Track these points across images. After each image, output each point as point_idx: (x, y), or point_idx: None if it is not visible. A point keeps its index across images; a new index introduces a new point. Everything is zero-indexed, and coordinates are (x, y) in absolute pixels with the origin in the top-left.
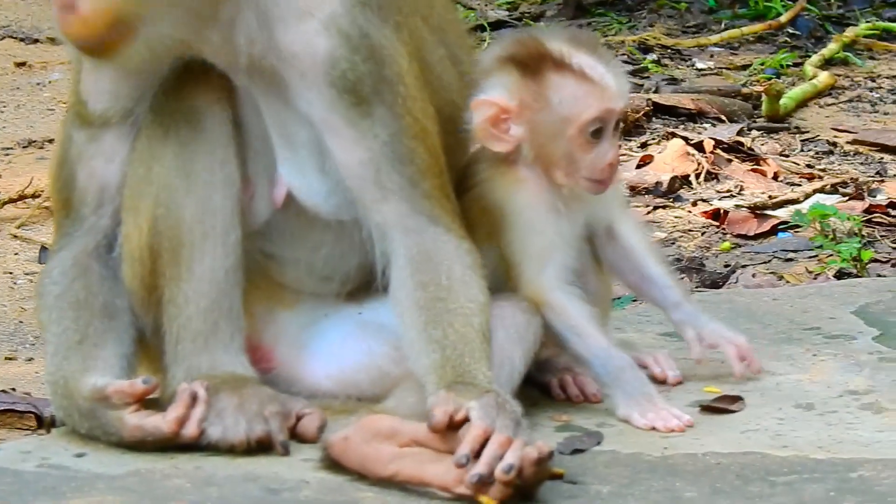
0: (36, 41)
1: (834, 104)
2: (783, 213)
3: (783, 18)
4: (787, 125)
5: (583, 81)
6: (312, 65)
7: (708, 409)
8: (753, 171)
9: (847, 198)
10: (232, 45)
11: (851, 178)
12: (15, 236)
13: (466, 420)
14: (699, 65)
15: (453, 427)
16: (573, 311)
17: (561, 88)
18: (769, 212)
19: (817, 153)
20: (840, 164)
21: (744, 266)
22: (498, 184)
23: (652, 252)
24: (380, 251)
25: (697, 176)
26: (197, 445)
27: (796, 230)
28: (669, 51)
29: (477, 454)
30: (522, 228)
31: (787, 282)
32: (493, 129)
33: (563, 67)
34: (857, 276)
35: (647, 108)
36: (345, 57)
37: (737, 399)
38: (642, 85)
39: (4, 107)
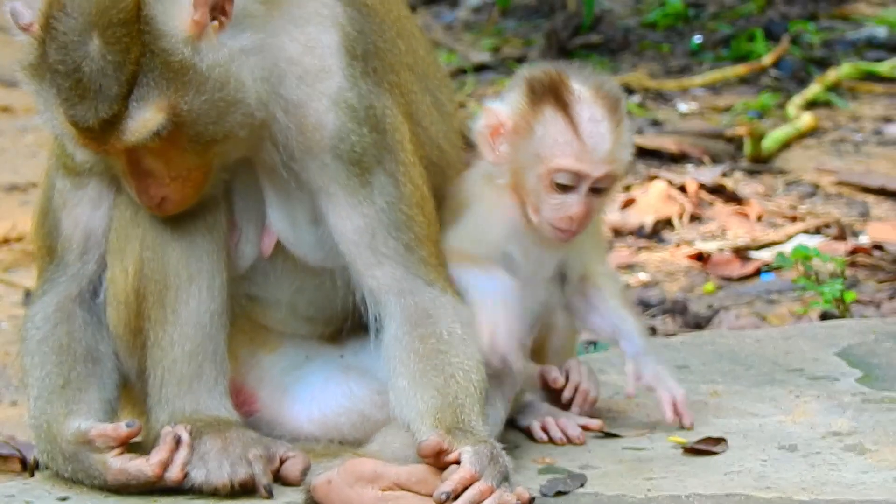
0: (18, 85)
1: (817, 146)
2: (766, 255)
3: (766, 60)
4: (770, 167)
5: (571, 130)
6: (320, 139)
7: (691, 450)
8: (736, 212)
9: (830, 239)
10: (268, 142)
11: (834, 220)
12: None
13: (456, 462)
14: (682, 107)
15: (441, 462)
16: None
17: (548, 125)
18: (752, 253)
19: (800, 194)
20: (823, 206)
21: (727, 307)
22: (478, 187)
23: (618, 294)
24: (373, 314)
25: (681, 218)
26: (180, 489)
27: (779, 272)
28: (652, 93)
29: (457, 496)
30: (476, 216)
31: (771, 323)
32: (489, 138)
33: (563, 108)
34: (840, 318)
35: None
36: (353, 130)
37: (720, 441)
38: None
39: None
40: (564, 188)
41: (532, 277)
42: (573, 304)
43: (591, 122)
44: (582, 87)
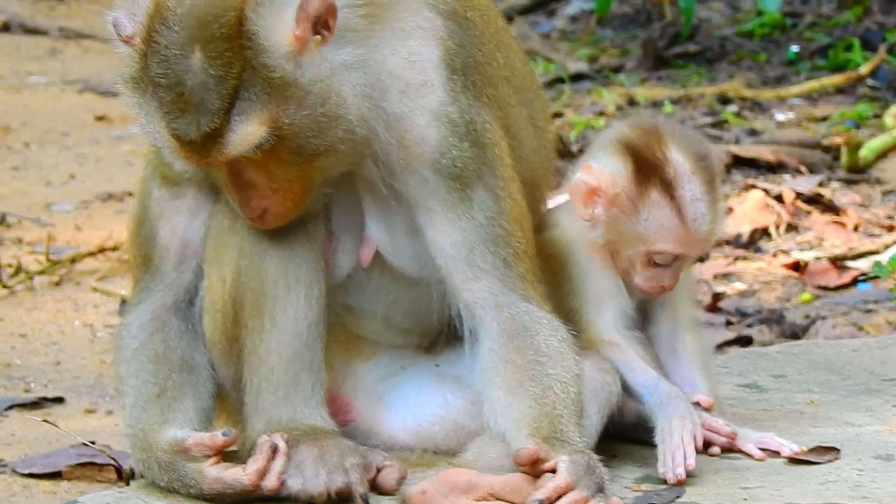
0: (115, 95)
1: None
2: (863, 265)
3: (863, 70)
4: (866, 176)
5: (676, 217)
6: (420, 154)
7: (796, 460)
8: (833, 222)
9: None
10: (368, 157)
11: None
12: (95, 289)
13: (553, 471)
14: (779, 116)
15: (537, 470)
16: (626, 349)
17: (654, 209)
18: (849, 263)
19: None
20: None
21: (823, 317)
22: (571, 233)
23: (700, 359)
24: (468, 328)
25: (777, 227)
26: (277, 498)
27: (876, 281)
28: (749, 102)
29: None
30: (584, 272)
31: (867, 333)
32: (585, 196)
33: (668, 192)
34: None
35: (727, 160)
36: (454, 145)
37: (832, 450)
38: (722, 137)
39: (84, 160)
40: (660, 265)
41: None
42: (658, 352)
43: (693, 204)
44: (682, 157)
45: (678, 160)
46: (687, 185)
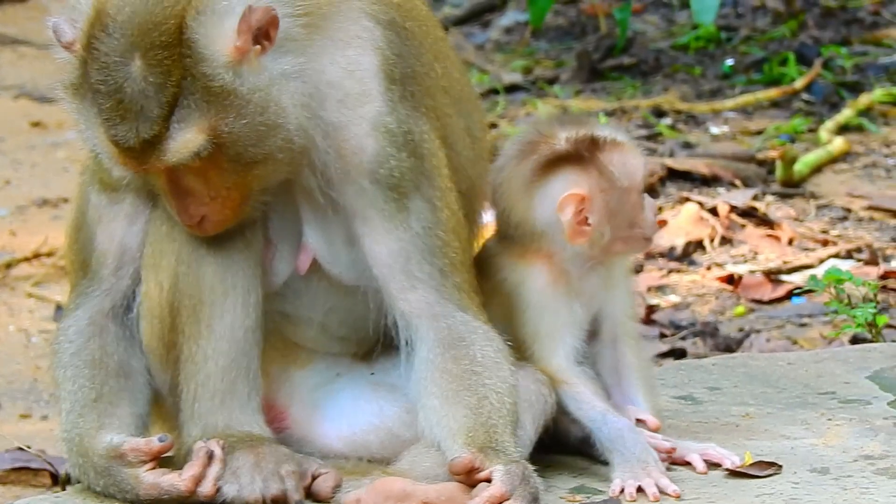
0: (51, 101)
1: (849, 170)
2: (797, 279)
3: (798, 84)
4: (801, 191)
5: (629, 151)
6: (358, 163)
7: (735, 473)
8: (768, 236)
9: (862, 263)
10: (306, 166)
11: (866, 244)
12: (30, 294)
13: (488, 480)
14: (714, 130)
15: (472, 480)
16: (577, 384)
17: (618, 164)
18: (784, 277)
19: (832, 219)
20: (855, 230)
21: (758, 331)
22: (516, 271)
23: (642, 375)
24: (404, 338)
25: (712, 240)
26: (213, 503)
27: (811, 295)
28: (684, 115)
29: None
30: (536, 310)
31: (802, 346)
32: (578, 224)
33: (613, 146)
34: (872, 342)
35: (662, 173)
36: (392, 155)
37: (772, 465)
38: (657, 149)
39: (20, 166)
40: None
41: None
42: (601, 368)
43: (623, 136)
44: (592, 128)
45: (595, 130)
46: (613, 133)
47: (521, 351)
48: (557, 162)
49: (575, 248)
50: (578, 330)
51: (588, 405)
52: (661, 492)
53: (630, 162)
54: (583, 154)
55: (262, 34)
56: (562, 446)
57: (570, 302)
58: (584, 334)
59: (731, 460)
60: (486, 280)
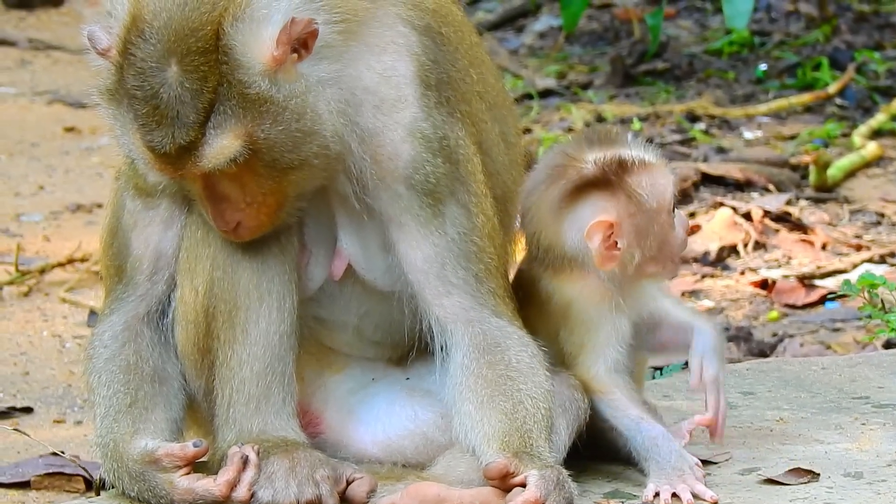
0: (85, 106)
1: (882, 175)
2: (831, 283)
3: (831, 89)
4: (835, 195)
5: (657, 171)
6: (394, 169)
7: (772, 481)
8: (801, 240)
9: (895, 267)
10: (342, 172)
11: None
12: (64, 300)
13: (522, 485)
14: (747, 134)
15: (507, 485)
16: (614, 391)
17: (647, 186)
18: (817, 281)
19: (865, 223)
20: (888, 235)
21: (791, 335)
22: (561, 291)
23: (677, 302)
24: (439, 343)
25: (746, 245)
26: None
27: (844, 300)
28: (717, 120)
29: None
30: (583, 327)
31: (835, 351)
32: (607, 249)
33: (641, 168)
34: None
35: (695, 178)
36: (427, 161)
37: (809, 472)
38: (690, 154)
39: (53, 171)
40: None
41: None
42: (651, 339)
43: (650, 154)
44: (617, 149)
45: (620, 151)
46: (627, 150)
47: (562, 362)
48: (585, 187)
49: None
50: (623, 343)
51: (622, 413)
52: (698, 497)
53: (659, 182)
54: (610, 178)
55: (301, 44)
56: (597, 450)
57: (614, 317)
58: (628, 347)
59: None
60: (530, 303)
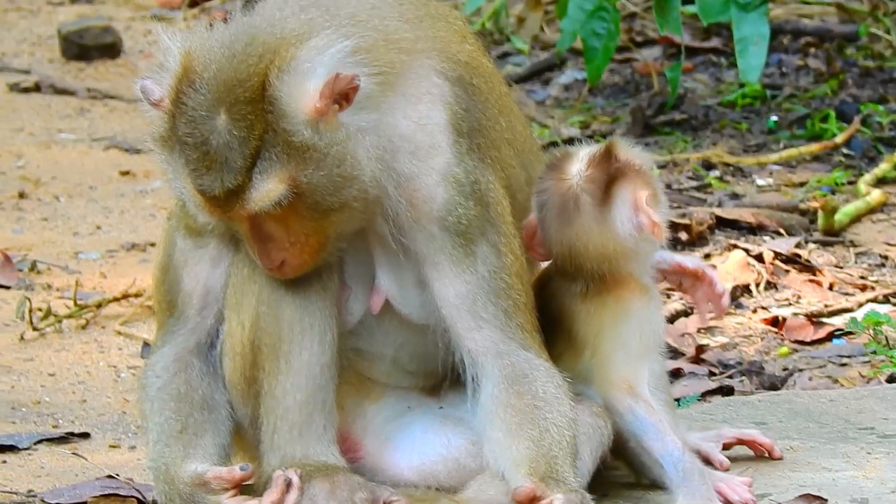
0: (139, 151)
1: (886, 220)
2: (838, 321)
3: (838, 139)
4: (841, 239)
5: (623, 145)
6: (428, 211)
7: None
8: (810, 281)
9: None
10: (379, 214)
11: None
12: (119, 332)
13: None
14: (759, 181)
15: None
16: (657, 410)
17: (636, 157)
18: (825, 319)
19: (870, 265)
20: (892, 276)
21: (801, 370)
22: (608, 307)
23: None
24: (471, 375)
25: (758, 285)
26: None
27: (851, 337)
28: (731, 168)
29: None
30: (632, 328)
31: (842, 385)
32: (654, 224)
33: (617, 147)
34: None
35: (711, 222)
36: (460, 204)
37: (818, 499)
38: (706, 200)
39: (110, 212)
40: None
41: None
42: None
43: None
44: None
45: (568, 159)
46: (591, 147)
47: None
48: (607, 185)
49: (653, 253)
50: (659, 355)
51: (670, 439)
52: None
53: (635, 151)
54: (614, 168)
55: (342, 96)
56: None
57: (655, 324)
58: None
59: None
60: (556, 330)
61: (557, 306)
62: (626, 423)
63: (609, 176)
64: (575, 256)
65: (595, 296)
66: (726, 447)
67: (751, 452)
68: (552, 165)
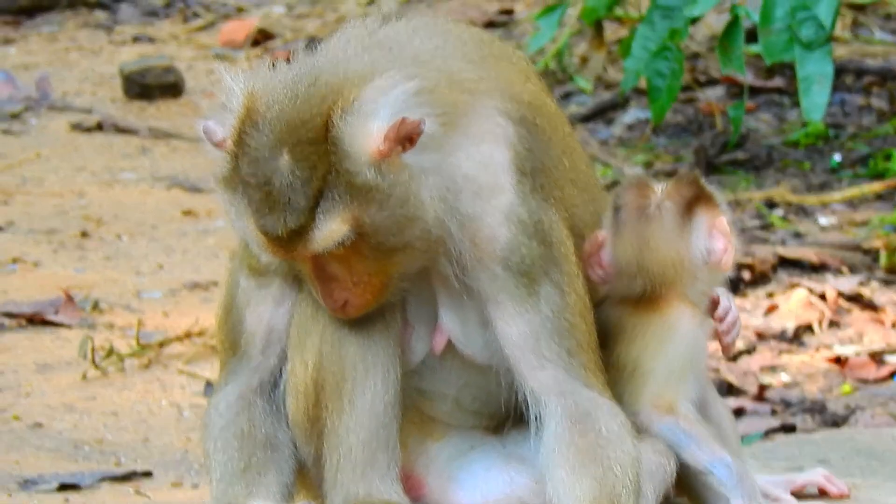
0: (201, 191)
1: None
2: None
3: None
4: None
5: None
6: (491, 251)
7: None
8: (873, 319)
9: None
10: (442, 255)
11: None
12: (181, 371)
13: None
14: (822, 221)
15: None
16: (699, 424)
17: (715, 190)
18: (887, 357)
19: None
20: None
21: (863, 408)
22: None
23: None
24: (534, 413)
25: (820, 324)
26: None
27: None
28: (794, 207)
29: None
30: (679, 348)
31: None
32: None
33: (698, 178)
34: None
35: (774, 261)
36: (523, 244)
37: None
38: (768, 239)
39: (172, 251)
40: None
41: None
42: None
43: None
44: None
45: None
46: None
47: (630, 376)
48: (690, 204)
49: (716, 283)
50: (700, 375)
51: (716, 449)
52: None
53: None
54: (697, 190)
55: (407, 139)
56: None
57: (702, 349)
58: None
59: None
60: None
61: (604, 329)
62: (667, 439)
63: (692, 196)
64: (642, 260)
65: (645, 312)
66: (794, 493)
67: (815, 491)
68: (632, 183)
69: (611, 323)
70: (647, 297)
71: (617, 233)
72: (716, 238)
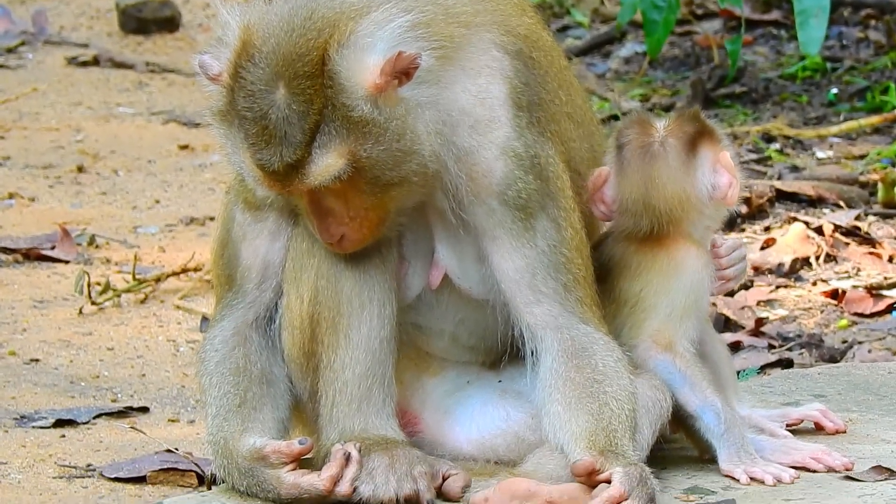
0: (197, 125)
1: None
2: None
3: None
4: None
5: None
6: (488, 185)
7: (852, 478)
8: (870, 253)
9: None
10: (439, 189)
11: None
12: (177, 307)
13: (608, 481)
14: (819, 154)
15: (593, 481)
16: (695, 365)
17: (715, 125)
18: (885, 292)
19: None
20: None
21: (860, 342)
22: (671, 256)
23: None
24: (530, 348)
25: (817, 258)
26: (349, 502)
27: None
28: (791, 141)
29: None
30: (682, 285)
31: None
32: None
33: (699, 114)
34: None
35: (771, 195)
36: (519, 178)
37: (888, 470)
38: (766, 172)
39: (168, 186)
40: None
41: None
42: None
43: None
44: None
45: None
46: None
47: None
48: (694, 139)
49: (720, 218)
50: (701, 318)
51: (709, 392)
52: (778, 480)
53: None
54: (700, 126)
55: (403, 73)
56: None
57: (704, 287)
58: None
59: (840, 462)
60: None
61: (607, 264)
62: (661, 376)
63: (695, 132)
64: (648, 198)
65: (649, 249)
66: (790, 426)
67: (811, 425)
68: (634, 121)
69: (614, 258)
70: (652, 235)
71: (621, 171)
72: (720, 173)
